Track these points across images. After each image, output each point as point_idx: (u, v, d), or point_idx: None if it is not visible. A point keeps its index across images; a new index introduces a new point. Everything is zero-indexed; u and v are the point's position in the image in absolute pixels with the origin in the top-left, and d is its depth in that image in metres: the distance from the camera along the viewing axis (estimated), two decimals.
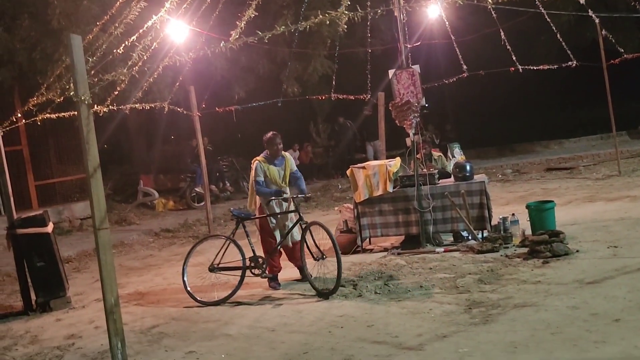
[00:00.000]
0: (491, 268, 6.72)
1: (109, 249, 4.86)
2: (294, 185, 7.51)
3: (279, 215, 7.26)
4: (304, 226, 6.91)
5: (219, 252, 7.04)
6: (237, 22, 4.43)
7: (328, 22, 5.17)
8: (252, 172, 7.27)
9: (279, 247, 7.23)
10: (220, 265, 7.04)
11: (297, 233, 7.19)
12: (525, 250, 7.21)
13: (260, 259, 7.09)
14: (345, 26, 4.18)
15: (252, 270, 7.06)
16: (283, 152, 7.42)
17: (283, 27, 4.58)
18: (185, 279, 7.06)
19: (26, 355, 5.85)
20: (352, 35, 13.07)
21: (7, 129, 7.32)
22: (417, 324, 5.37)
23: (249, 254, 7.06)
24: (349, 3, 4.22)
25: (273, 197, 7.14)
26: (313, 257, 6.83)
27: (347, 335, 5.34)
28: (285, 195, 7.25)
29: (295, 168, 7.53)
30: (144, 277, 8.67)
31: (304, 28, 5.27)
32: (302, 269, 7.12)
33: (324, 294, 6.49)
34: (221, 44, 4.63)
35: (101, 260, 4.81)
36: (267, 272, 7.11)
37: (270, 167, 7.26)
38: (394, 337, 5.14)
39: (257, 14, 4.64)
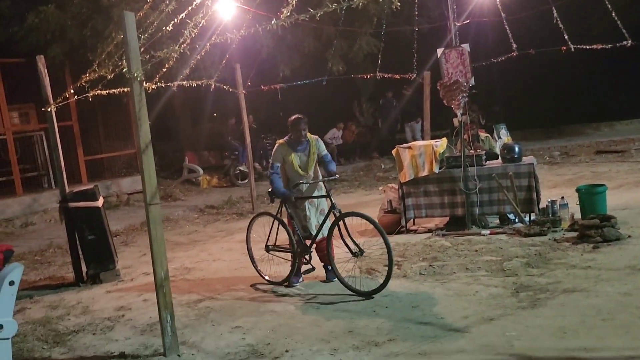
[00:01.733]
0: (539, 252, 6.61)
1: (160, 223, 4.95)
2: (323, 168, 6.76)
3: (305, 200, 6.58)
4: (337, 214, 6.20)
5: (270, 231, 6.80)
6: (289, 0, 4.40)
7: (370, 1, 5.10)
8: (270, 160, 6.74)
9: (315, 237, 6.53)
10: (275, 246, 6.77)
11: (327, 229, 6.43)
12: (574, 234, 7.07)
13: (304, 246, 6.56)
14: (399, 3, 4.11)
15: (300, 257, 6.58)
16: (310, 135, 6.66)
17: (335, 4, 4.54)
18: (253, 256, 6.97)
19: (78, 325, 6.03)
20: (399, 13, 12.84)
21: (60, 104, 7.47)
22: (462, 306, 5.33)
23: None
24: None
25: (280, 197, 6.54)
26: (350, 251, 6.13)
27: (392, 315, 5.34)
28: (306, 182, 6.53)
29: (325, 152, 6.72)
30: (190, 253, 8.82)
31: (350, 6, 5.21)
32: (326, 268, 6.58)
33: (365, 294, 5.92)
34: (272, 22, 4.62)
35: (152, 234, 4.90)
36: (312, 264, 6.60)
37: (290, 152, 6.55)
38: (439, 319, 5.12)
39: None
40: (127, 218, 12.05)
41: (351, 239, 6.12)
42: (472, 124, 8.59)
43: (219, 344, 5.16)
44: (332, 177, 6.53)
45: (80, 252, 7.65)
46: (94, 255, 7.59)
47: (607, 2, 9.37)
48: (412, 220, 8.60)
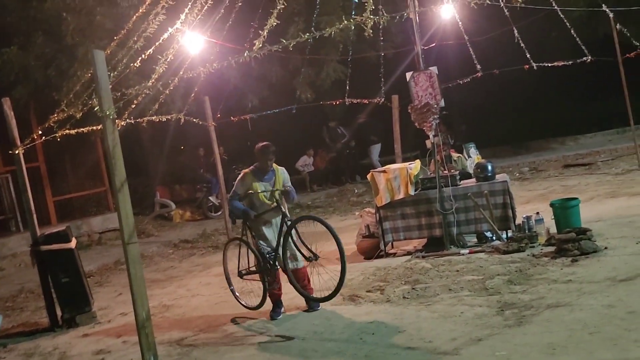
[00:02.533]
0: (519, 268, 6.64)
1: (139, 262, 4.86)
2: (284, 196, 6.61)
3: (270, 221, 6.56)
4: (289, 223, 6.26)
5: (239, 256, 6.74)
6: (260, 32, 4.40)
7: (342, 28, 5.14)
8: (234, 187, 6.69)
9: (272, 269, 6.46)
10: (247, 270, 6.69)
11: (300, 259, 6.43)
12: (552, 249, 7.13)
13: (270, 263, 6.47)
14: (371, 31, 4.14)
15: (266, 278, 6.45)
16: (276, 165, 6.63)
17: (308, 34, 4.56)
18: (232, 287, 6.93)
19: None
20: (364, 40, 13.02)
21: (28, 146, 7.34)
22: (449, 328, 5.31)
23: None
24: (373, 7, 4.20)
25: (241, 217, 6.54)
26: (304, 257, 6.28)
27: (380, 341, 5.29)
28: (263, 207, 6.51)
29: (289, 183, 6.67)
30: (168, 289, 8.65)
31: (323, 35, 5.24)
32: (305, 296, 6.42)
33: (317, 300, 6.10)
34: (245, 54, 4.61)
35: (131, 274, 4.80)
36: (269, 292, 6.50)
37: (255, 181, 6.52)
38: (427, 342, 5.08)
39: (278, 22, 4.62)
40: (100, 258, 11.80)
41: (304, 245, 6.20)
42: (444, 145, 8.68)
43: None
44: (283, 190, 6.48)
45: (54, 296, 7.45)
46: (68, 298, 7.40)
47: (565, 21, 9.64)
48: (390, 243, 8.59)
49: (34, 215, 7.48)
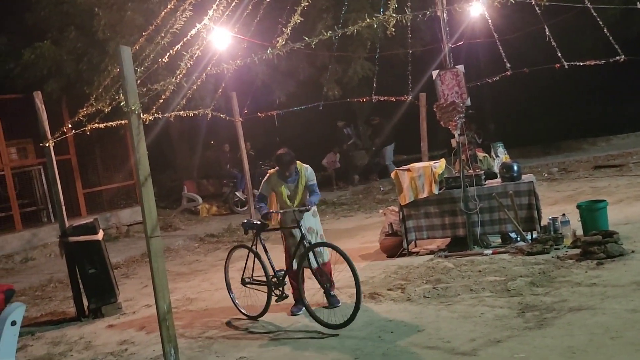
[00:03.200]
0: (543, 270, 6.57)
1: (161, 256, 4.92)
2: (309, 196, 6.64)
3: (292, 230, 6.53)
4: (307, 245, 6.15)
5: (245, 264, 6.69)
6: (283, 29, 4.43)
7: (365, 26, 5.13)
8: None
9: (291, 268, 6.49)
10: (252, 279, 6.65)
11: (326, 253, 6.41)
12: (577, 251, 7.04)
13: (278, 279, 6.47)
14: (393, 29, 4.14)
15: (273, 290, 6.45)
16: (300, 164, 6.64)
17: (330, 32, 4.57)
18: (232, 294, 6.91)
19: None
20: (392, 37, 13.00)
21: (58, 139, 7.48)
22: (469, 329, 5.28)
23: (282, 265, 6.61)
24: (397, 5, 4.20)
25: (254, 228, 6.56)
26: (320, 283, 6.18)
27: (398, 340, 5.29)
28: (280, 212, 6.56)
29: (313, 181, 6.62)
30: (192, 283, 8.76)
31: (345, 33, 5.25)
32: (328, 292, 6.36)
33: (332, 327, 5.74)
34: (268, 51, 4.64)
35: (153, 267, 4.87)
36: (287, 293, 6.48)
37: (280, 184, 6.57)
38: (446, 342, 5.07)
39: (302, 19, 4.64)
40: (127, 250, 11.99)
41: (321, 270, 6.10)
42: (470, 144, 8.61)
43: None
44: (302, 209, 6.40)
45: (81, 287, 7.60)
46: (95, 289, 7.54)
47: (598, 19, 9.47)
48: (413, 242, 8.57)
49: (64, 207, 7.64)
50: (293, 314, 6.50)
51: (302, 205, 6.46)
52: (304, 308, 6.39)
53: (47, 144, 7.41)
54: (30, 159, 13.47)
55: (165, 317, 4.87)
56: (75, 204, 13.52)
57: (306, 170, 6.66)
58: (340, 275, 6.25)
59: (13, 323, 4.25)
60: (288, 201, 6.56)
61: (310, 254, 6.13)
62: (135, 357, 5.88)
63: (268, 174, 6.71)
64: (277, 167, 6.65)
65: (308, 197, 6.59)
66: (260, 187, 6.72)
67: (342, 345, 5.40)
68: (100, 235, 7.68)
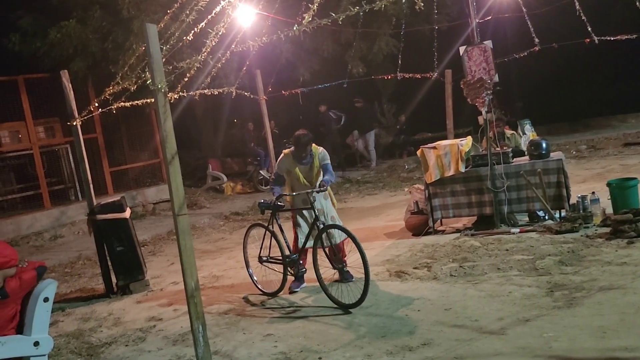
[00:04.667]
0: (572, 249, 6.49)
1: (189, 234, 4.93)
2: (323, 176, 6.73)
3: (303, 211, 6.65)
4: (320, 227, 6.18)
5: (262, 242, 6.80)
6: (309, 5, 4.37)
7: (394, 1, 5.04)
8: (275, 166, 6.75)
9: (303, 247, 6.54)
10: (268, 257, 6.77)
11: (338, 234, 6.39)
12: (607, 230, 6.93)
13: (292, 259, 6.55)
14: (422, 4, 4.05)
15: (289, 269, 6.57)
16: (315, 146, 6.75)
17: (357, 8, 4.50)
18: (250, 270, 7.01)
19: (111, 337, 6.06)
20: (417, 13, 12.78)
21: (85, 118, 7.53)
22: (496, 308, 5.25)
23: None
24: None
25: (270, 208, 6.60)
26: (332, 264, 6.24)
27: (425, 318, 5.28)
28: (294, 194, 6.63)
29: (326, 161, 6.73)
30: (218, 260, 8.83)
31: (373, 8, 5.17)
32: (341, 270, 6.43)
33: (345, 307, 5.80)
34: (294, 28, 4.59)
35: (181, 245, 4.89)
36: (305, 268, 6.62)
37: (295, 165, 6.68)
38: (473, 321, 5.04)
39: None
40: (153, 228, 12.12)
41: (334, 251, 6.09)
42: (499, 121, 8.50)
43: (251, 352, 5.14)
44: (319, 190, 6.43)
45: (109, 264, 7.71)
46: (123, 267, 7.64)
47: None
48: (439, 220, 8.52)
49: (91, 185, 7.72)
50: (291, 290, 6.61)
51: (319, 186, 6.51)
52: (301, 285, 6.63)
53: (74, 123, 7.46)
54: (57, 138, 13.62)
55: (193, 294, 4.90)
56: (102, 183, 13.68)
57: (320, 153, 6.78)
58: (352, 256, 6.21)
59: (46, 299, 4.32)
60: (305, 181, 6.67)
61: (324, 235, 6.15)
62: (163, 333, 5.95)
63: (283, 154, 6.81)
64: (292, 148, 6.74)
65: (324, 176, 6.66)
66: (276, 166, 6.80)
67: (368, 322, 5.41)
68: (127, 213, 7.75)
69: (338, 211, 6.96)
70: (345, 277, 6.49)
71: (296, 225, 6.72)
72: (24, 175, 13.68)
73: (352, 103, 17.33)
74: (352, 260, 5.88)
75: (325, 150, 6.85)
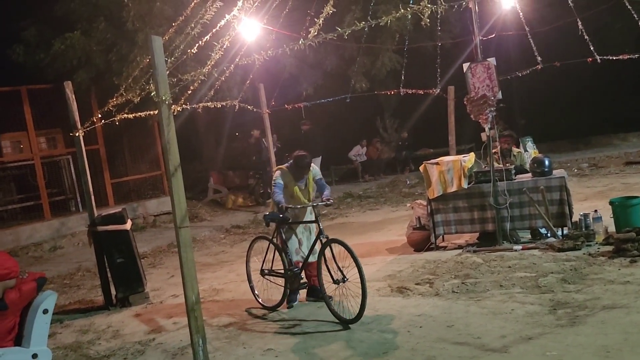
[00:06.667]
0: (574, 267, 6.46)
1: (190, 246, 4.91)
2: (318, 192, 6.78)
3: (300, 225, 6.69)
4: (323, 241, 6.11)
5: (265, 255, 6.79)
6: (315, 19, 4.38)
7: (398, 17, 5.06)
8: (273, 178, 6.73)
9: (305, 261, 6.55)
10: (270, 270, 6.71)
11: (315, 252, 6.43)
12: (610, 248, 6.91)
13: (294, 272, 6.50)
14: (428, 20, 4.06)
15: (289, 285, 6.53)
16: None
17: (363, 23, 4.51)
18: (251, 283, 6.96)
19: (109, 350, 6.00)
20: (421, 29, 12.84)
21: (87, 129, 7.53)
22: (499, 325, 5.21)
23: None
24: None
25: (277, 211, 6.53)
26: (332, 278, 6.00)
27: (427, 335, 5.23)
28: (299, 207, 6.60)
29: (319, 175, 6.80)
30: (218, 274, 8.78)
31: (379, 23, 5.19)
32: (313, 289, 6.53)
33: (345, 322, 5.76)
34: (300, 41, 4.60)
35: (182, 258, 4.86)
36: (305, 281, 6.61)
37: (294, 183, 6.68)
38: (476, 338, 5.00)
39: (334, 10, 4.58)
40: (153, 240, 12.08)
41: (337, 265, 5.99)
42: (509, 138, 8.52)
43: None
44: (325, 203, 6.49)
45: (109, 276, 7.66)
46: (123, 278, 7.59)
47: (632, 12, 9.24)
48: (441, 236, 8.49)
49: (92, 197, 7.70)
50: (289, 303, 6.58)
51: (325, 200, 6.53)
52: (297, 299, 6.67)
53: (77, 134, 7.46)
54: (59, 149, 13.64)
55: (194, 308, 4.87)
56: (103, 194, 13.67)
57: (313, 169, 6.80)
58: (354, 270, 6.13)
59: (45, 311, 4.28)
60: (302, 199, 6.68)
61: (327, 249, 6.09)
62: (162, 347, 5.90)
63: (279, 169, 6.76)
64: (286, 164, 6.77)
65: (323, 191, 6.69)
66: (276, 177, 6.69)
67: (369, 338, 5.36)
68: (128, 225, 7.72)
69: (340, 225, 6.94)
70: (312, 295, 6.62)
71: (287, 239, 6.66)
72: (25, 185, 13.69)
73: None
74: (350, 275, 5.83)
75: (316, 167, 6.86)
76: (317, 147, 15.49)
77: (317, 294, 6.48)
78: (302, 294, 6.82)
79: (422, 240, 8.33)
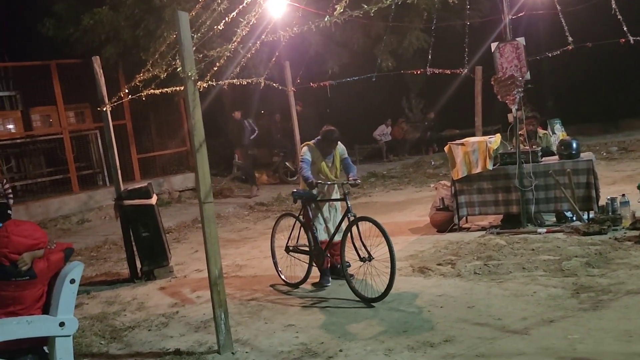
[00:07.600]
0: (599, 251, 6.39)
1: (214, 222, 4.97)
2: (344, 171, 6.76)
3: (325, 203, 6.64)
4: (351, 219, 6.08)
5: (291, 232, 6.81)
6: None
7: None
8: (300, 153, 6.70)
9: (331, 240, 6.46)
10: (296, 247, 6.75)
11: (341, 231, 6.38)
12: (636, 233, 6.81)
13: (319, 250, 6.49)
14: None
15: (315, 260, 6.56)
16: None
17: (390, 0, 4.46)
18: (275, 259, 7.00)
19: (134, 321, 6.12)
20: (449, 8, 12.65)
21: (115, 104, 7.61)
22: (520, 307, 5.19)
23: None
24: None
25: (307, 188, 6.48)
26: (359, 256, 5.99)
27: (448, 315, 5.24)
28: (329, 183, 6.58)
29: (346, 155, 6.79)
30: (241, 250, 8.87)
31: (406, 1, 5.13)
32: (335, 267, 6.51)
33: (368, 300, 5.77)
34: (325, 19, 4.57)
35: (206, 232, 4.92)
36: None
37: (321, 158, 6.63)
38: (496, 320, 5.00)
39: None
40: (178, 215, 12.23)
41: (363, 244, 5.98)
42: (533, 119, 8.40)
43: (272, 342, 5.16)
44: (353, 183, 6.48)
45: (134, 249, 7.79)
46: (148, 252, 7.71)
47: None
48: (465, 218, 8.45)
49: (119, 171, 7.80)
50: (323, 285, 6.53)
51: (352, 180, 6.51)
52: (330, 280, 6.57)
53: (104, 109, 7.54)
54: (87, 123, 13.82)
55: (217, 282, 4.94)
56: (129, 169, 13.84)
57: (339, 146, 6.75)
58: (378, 249, 6.14)
59: (72, 281, 4.37)
60: (330, 175, 6.66)
61: (354, 227, 6.08)
62: (185, 320, 6.00)
63: (307, 145, 6.69)
64: (314, 140, 6.70)
65: (345, 170, 6.69)
66: (304, 153, 6.63)
67: (390, 317, 5.39)
68: (154, 200, 7.82)
69: (363, 205, 6.94)
70: (325, 282, 6.55)
71: (314, 217, 6.63)
72: (54, 159, 13.92)
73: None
74: (380, 254, 5.84)
75: (341, 144, 6.78)
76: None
77: (339, 272, 6.51)
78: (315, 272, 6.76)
79: (445, 221, 8.30)
